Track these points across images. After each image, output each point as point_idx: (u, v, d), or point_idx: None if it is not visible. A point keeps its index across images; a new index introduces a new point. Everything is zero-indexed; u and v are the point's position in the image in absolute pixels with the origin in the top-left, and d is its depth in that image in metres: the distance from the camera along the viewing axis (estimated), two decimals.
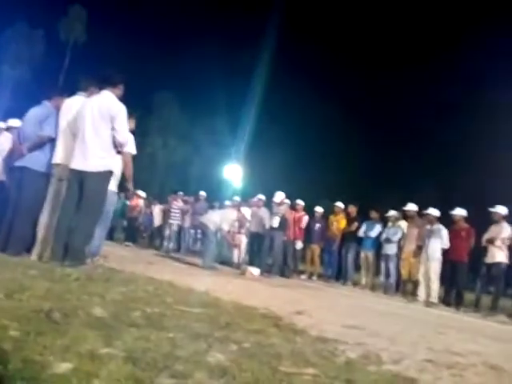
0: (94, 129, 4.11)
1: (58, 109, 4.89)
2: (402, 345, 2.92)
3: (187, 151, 39.42)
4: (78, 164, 4.11)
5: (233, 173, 31.18)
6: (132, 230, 13.62)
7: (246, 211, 8.72)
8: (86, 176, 4.08)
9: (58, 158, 4.50)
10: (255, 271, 8.46)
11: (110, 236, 13.94)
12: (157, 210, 13.76)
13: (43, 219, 4.44)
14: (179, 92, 36.37)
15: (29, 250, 4.41)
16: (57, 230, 4.14)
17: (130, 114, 5.51)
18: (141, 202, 13.63)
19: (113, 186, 5.08)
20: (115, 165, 4.34)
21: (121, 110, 4.20)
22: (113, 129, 4.13)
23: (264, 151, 34.88)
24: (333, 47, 35.65)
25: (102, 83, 4.34)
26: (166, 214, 13.03)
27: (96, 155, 4.09)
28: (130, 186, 5.54)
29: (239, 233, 9.71)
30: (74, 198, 4.14)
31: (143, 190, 36.56)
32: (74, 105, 4.55)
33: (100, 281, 3.40)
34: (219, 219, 8.32)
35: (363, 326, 3.42)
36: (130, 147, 5.21)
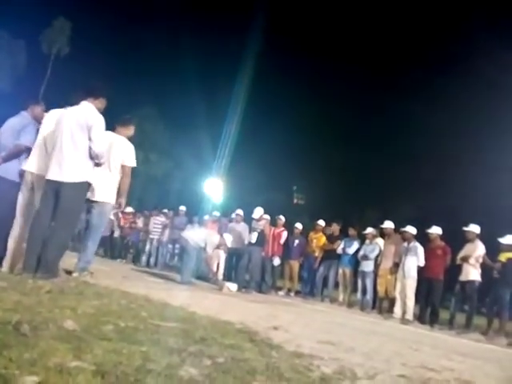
0: (72, 139, 4.06)
1: (36, 118, 4.84)
2: (377, 360, 2.92)
3: (168, 166, 39.26)
4: (53, 174, 4.04)
5: (213, 187, 31.10)
6: (124, 246, 13.54)
7: (228, 237, 8.67)
8: (62, 186, 4.01)
9: (32, 166, 4.42)
10: (233, 287, 8.40)
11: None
12: (140, 224, 13.62)
13: (15, 230, 4.34)
14: (161, 106, 36.36)
15: (0, 262, 4.30)
16: (30, 241, 4.03)
17: (130, 120, 5.49)
18: (138, 221, 13.49)
19: (112, 198, 5.03)
20: (93, 176, 4.27)
21: (98, 120, 4.16)
22: (89, 139, 4.08)
23: (245, 166, 34.98)
24: (315, 63, 36.22)
25: (83, 94, 4.31)
26: (145, 229, 12.93)
27: (73, 166, 4.03)
28: (123, 200, 5.24)
29: (217, 248, 9.63)
30: (48, 208, 4.05)
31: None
32: (53, 116, 4.50)
33: (72, 294, 3.33)
34: (202, 240, 8.25)
35: (339, 342, 3.42)
36: (130, 160, 5.22)
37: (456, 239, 8.36)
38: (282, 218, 10.31)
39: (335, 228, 10.01)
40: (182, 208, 12.69)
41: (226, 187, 32.04)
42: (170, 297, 4.67)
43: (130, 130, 5.38)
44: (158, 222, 12.58)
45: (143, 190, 38.55)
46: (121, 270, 8.82)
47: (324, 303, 9.38)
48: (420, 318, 8.15)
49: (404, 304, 8.19)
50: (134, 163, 5.24)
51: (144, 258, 12.53)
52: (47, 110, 4.92)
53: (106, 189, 4.86)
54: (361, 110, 34.97)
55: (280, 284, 10.90)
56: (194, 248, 8.44)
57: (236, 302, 5.77)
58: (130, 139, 5.37)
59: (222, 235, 8.99)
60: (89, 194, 4.49)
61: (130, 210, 13.97)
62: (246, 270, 9.27)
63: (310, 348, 2.97)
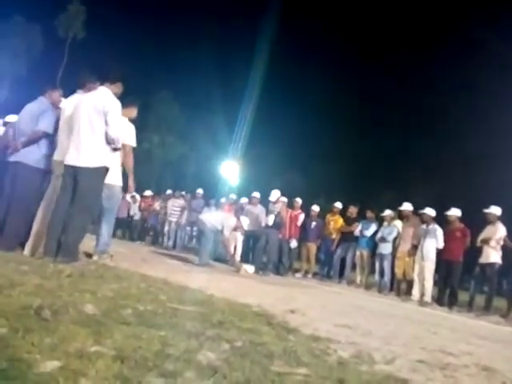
0: (90, 124, 4.08)
1: (54, 104, 4.87)
2: (395, 344, 2.91)
3: (184, 149, 39.40)
4: (71, 159, 4.08)
5: (229, 170, 31.21)
6: (143, 229, 13.75)
7: (245, 220, 8.71)
8: (80, 171, 4.05)
9: (57, 154, 4.49)
10: (250, 269, 8.46)
11: (113, 234, 14.01)
12: (157, 207, 13.75)
13: (39, 215, 4.42)
14: (177, 90, 36.30)
15: (23, 246, 4.39)
16: (50, 226, 4.11)
17: (133, 102, 5.49)
18: (155, 204, 13.64)
19: (118, 180, 5.08)
20: (111, 161, 4.30)
21: (115, 105, 4.17)
22: (106, 124, 4.10)
23: (261, 148, 34.90)
24: (330, 46, 35.53)
25: (100, 79, 4.31)
26: (163, 211, 13.07)
27: (90, 150, 4.06)
28: (131, 180, 5.43)
29: (235, 230, 9.66)
30: (67, 193, 4.11)
31: (140, 186, 36.38)
32: (72, 102, 4.52)
33: (92, 277, 3.38)
34: (220, 223, 8.33)
35: (356, 326, 3.41)
36: (131, 139, 5.24)
37: (476, 220, 8.23)
38: (299, 201, 10.27)
39: (353, 210, 9.93)
40: (200, 191, 12.74)
41: (243, 169, 32.12)
42: (188, 279, 4.72)
43: (133, 112, 5.34)
44: (176, 204, 12.68)
45: (160, 174, 38.92)
46: (140, 252, 8.95)
47: (341, 285, 9.38)
48: (438, 300, 8.09)
49: (422, 286, 8.14)
50: (134, 143, 5.26)
51: (163, 240, 12.71)
52: (65, 95, 4.95)
53: (111, 171, 4.86)
54: (377, 91, 34.29)
55: (297, 266, 10.93)
56: (212, 231, 8.50)
57: (253, 285, 5.81)
58: (133, 121, 5.36)
59: (238, 218, 9.03)
60: None
61: (148, 193, 14.12)
62: (264, 253, 9.30)
63: (327, 331, 2.97)
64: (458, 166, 26.38)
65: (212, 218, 8.64)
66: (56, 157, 4.48)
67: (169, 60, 34.92)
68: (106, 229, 5.06)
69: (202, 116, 39.27)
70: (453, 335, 4.07)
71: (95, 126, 4.08)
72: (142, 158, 37.94)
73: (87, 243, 4.80)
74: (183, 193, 13.20)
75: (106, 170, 4.19)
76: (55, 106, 4.85)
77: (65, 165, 4.13)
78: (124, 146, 5.02)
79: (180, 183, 38.70)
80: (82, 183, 4.05)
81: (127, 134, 5.13)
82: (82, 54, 31.74)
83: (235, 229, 8.84)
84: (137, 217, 13.77)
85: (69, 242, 4.00)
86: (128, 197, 14.51)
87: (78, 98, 4.44)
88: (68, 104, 4.61)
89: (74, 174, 4.08)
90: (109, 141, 4.17)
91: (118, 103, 4.22)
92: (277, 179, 32.97)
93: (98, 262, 4.56)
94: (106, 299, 2.57)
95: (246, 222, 8.83)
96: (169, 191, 13.68)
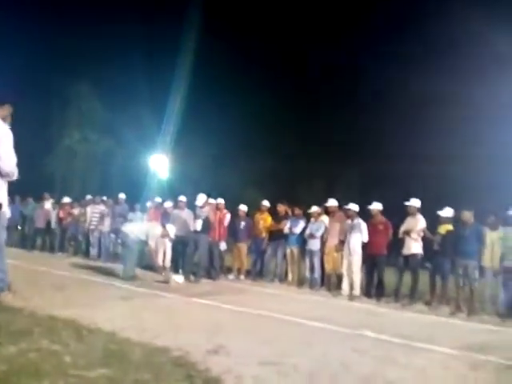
0: None
1: None
2: None
3: (109, 144, 37.68)
4: None
5: (158, 163, 30.34)
6: (62, 239, 12.84)
7: (171, 228, 8.39)
8: None
9: None
10: (179, 279, 8.21)
11: (32, 245, 13.03)
12: (75, 213, 12.89)
13: None
14: (98, 82, 34.40)
15: None
16: None
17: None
18: (74, 211, 12.73)
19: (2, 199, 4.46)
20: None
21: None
22: None
23: (191, 141, 34.21)
24: (255, 32, 35.17)
25: None
26: (83, 219, 12.32)
27: None
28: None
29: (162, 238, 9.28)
30: None
31: (64, 187, 34.31)
32: None
33: None
34: (144, 233, 7.99)
35: (283, 360, 3.28)
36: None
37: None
38: (221, 201, 10.09)
39: (281, 208, 9.90)
40: (122, 196, 12.12)
41: (172, 162, 31.35)
42: (103, 315, 4.37)
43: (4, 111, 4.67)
44: (96, 210, 12.00)
45: (85, 171, 37.07)
46: (56, 273, 8.31)
47: (274, 284, 9.37)
48: (367, 293, 8.30)
49: (351, 280, 8.32)
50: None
51: (88, 250, 12.07)
52: None
53: None
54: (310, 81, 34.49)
55: (229, 265, 10.70)
56: (135, 242, 8.12)
57: (177, 310, 5.41)
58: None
59: (164, 224, 8.70)
60: None
61: (67, 200, 13.25)
62: (194, 258, 9.05)
63: (253, 378, 2.83)
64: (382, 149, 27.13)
65: (136, 228, 8.25)
66: None
67: (88, 51, 32.88)
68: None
69: (127, 108, 37.67)
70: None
71: None
72: (63, 154, 35.94)
73: None
74: (104, 198, 12.49)
75: None
76: None
77: None
78: None
79: (107, 180, 37.18)
80: None
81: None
82: None
83: (162, 236, 8.52)
84: (54, 225, 12.86)
85: None
86: (47, 204, 13.59)
87: None
88: None
89: None
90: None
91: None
92: (207, 172, 32.59)
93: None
94: None
95: (172, 230, 8.52)
96: (88, 197, 12.89)
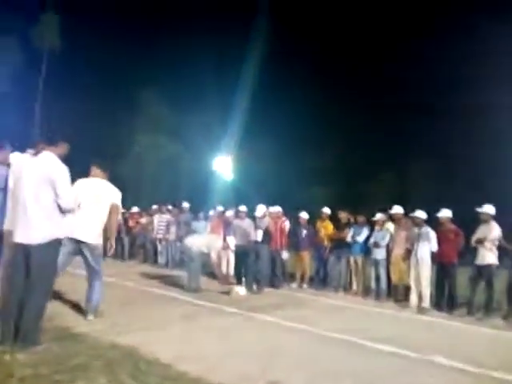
0: (35, 198, 3.77)
1: (2, 162, 4.55)
2: None
3: (177, 148, 38.88)
4: (21, 237, 3.78)
5: (223, 165, 30.93)
6: (133, 248, 13.50)
7: (231, 240, 8.52)
8: (32, 249, 3.76)
9: (7, 223, 4.19)
10: (241, 291, 8.24)
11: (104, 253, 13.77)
12: (143, 222, 13.43)
13: None
14: (166, 87, 35.63)
15: None
16: (5, 309, 3.82)
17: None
18: (142, 220, 13.36)
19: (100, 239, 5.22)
20: (62, 230, 3.99)
21: (61, 172, 3.85)
22: (56, 195, 3.79)
23: (254, 142, 34.51)
24: (323, 38, 34.67)
25: (45, 143, 4.00)
26: (151, 227, 12.81)
27: (40, 226, 3.76)
28: (112, 241, 5.44)
29: (224, 249, 9.40)
30: (21, 272, 3.81)
31: (135, 193, 35.82)
32: (19, 163, 4.19)
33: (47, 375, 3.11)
34: (206, 246, 8.17)
35: None
36: (116, 198, 5.37)
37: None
38: (279, 209, 10.00)
39: (343, 215, 9.63)
40: (185, 205, 12.45)
41: (237, 164, 31.77)
42: (164, 339, 4.46)
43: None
44: (162, 219, 12.42)
45: (154, 176, 38.49)
46: (124, 285, 8.66)
47: (338, 294, 9.15)
48: (437, 304, 7.85)
49: (419, 291, 7.92)
50: (119, 201, 5.49)
51: (156, 258, 12.56)
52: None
53: (95, 230, 5.21)
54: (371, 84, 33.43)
55: (292, 271, 10.59)
56: (198, 254, 8.26)
57: (235, 330, 5.32)
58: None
59: (225, 239, 8.82)
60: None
61: (135, 209, 13.84)
62: (256, 268, 9.05)
63: None
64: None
65: (197, 241, 8.40)
66: (6, 226, 4.18)
67: (157, 57, 34.15)
68: (98, 286, 5.22)
69: (194, 112, 38.69)
70: None
71: (42, 198, 3.78)
72: (134, 161, 37.55)
73: None
74: (170, 207, 12.89)
75: (58, 242, 3.90)
76: (3, 164, 4.53)
77: (15, 242, 3.82)
78: (112, 205, 5.30)
79: (175, 183, 38.38)
80: (36, 261, 3.76)
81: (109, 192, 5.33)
82: (63, 64, 31.17)
83: (223, 249, 8.64)
84: (123, 235, 13.47)
85: (28, 325, 3.72)
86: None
87: (25, 160, 4.11)
88: (16, 163, 4.28)
89: (26, 251, 3.78)
90: (62, 211, 3.88)
91: (64, 168, 3.91)
92: (270, 172, 32.66)
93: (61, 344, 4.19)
94: None
95: (232, 242, 8.61)
96: (155, 206, 13.37)
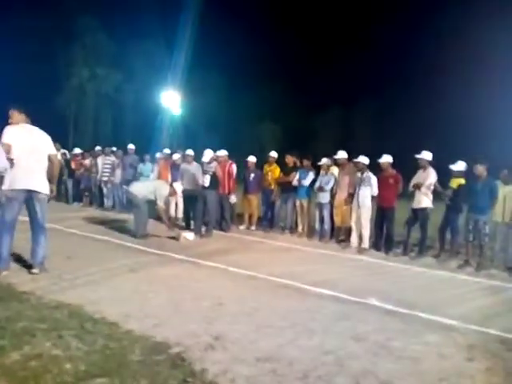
0: None
1: None
2: None
3: (119, 79, 36.94)
4: None
5: (170, 99, 29.86)
6: (77, 190, 13.05)
7: (178, 186, 8.41)
8: None
9: None
10: (190, 236, 8.31)
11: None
12: (87, 164, 12.93)
13: None
14: (104, 16, 33.08)
15: None
16: None
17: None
18: (85, 163, 12.80)
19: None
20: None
21: None
22: None
23: (203, 75, 33.30)
24: None
25: None
26: (94, 170, 12.40)
27: None
28: (54, 185, 5.31)
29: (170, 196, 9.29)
30: None
31: (76, 128, 34.02)
32: None
33: None
34: (152, 193, 8.05)
35: (279, 355, 3.32)
36: (50, 148, 5.21)
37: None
38: (225, 153, 9.93)
39: (289, 159, 9.73)
40: (131, 146, 12.07)
41: (185, 99, 30.73)
42: (110, 295, 4.47)
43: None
44: (107, 162, 12.04)
45: (97, 109, 36.76)
46: (68, 232, 8.49)
47: (285, 235, 9.46)
48: (375, 245, 8.34)
49: (360, 233, 8.35)
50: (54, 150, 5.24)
51: (103, 201, 12.31)
52: None
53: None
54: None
55: (240, 212, 10.75)
56: (144, 202, 8.17)
57: (182, 280, 5.39)
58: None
59: (171, 184, 8.73)
60: None
61: (77, 151, 13.27)
62: (204, 213, 9.10)
63: (247, 379, 2.91)
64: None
65: (143, 189, 8.25)
66: None
67: None
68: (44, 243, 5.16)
69: (136, 42, 36.51)
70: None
71: None
72: (73, 94, 35.42)
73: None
74: (114, 149, 12.45)
75: None
76: None
77: None
78: (50, 155, 5.19)
79: (119, 118, 36.77)
80: None
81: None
82: None
83: (170, 195, 8.56)
84: (67, 177, 12.96)
85: None
86: (58, 155, 13.61)
87: None
88: None
89: None
90: None
91: None
92: (221, 106, 32.02)
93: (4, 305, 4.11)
94: None
95: (179, 188, 8.56)
96: (98, 147, 12.86)
